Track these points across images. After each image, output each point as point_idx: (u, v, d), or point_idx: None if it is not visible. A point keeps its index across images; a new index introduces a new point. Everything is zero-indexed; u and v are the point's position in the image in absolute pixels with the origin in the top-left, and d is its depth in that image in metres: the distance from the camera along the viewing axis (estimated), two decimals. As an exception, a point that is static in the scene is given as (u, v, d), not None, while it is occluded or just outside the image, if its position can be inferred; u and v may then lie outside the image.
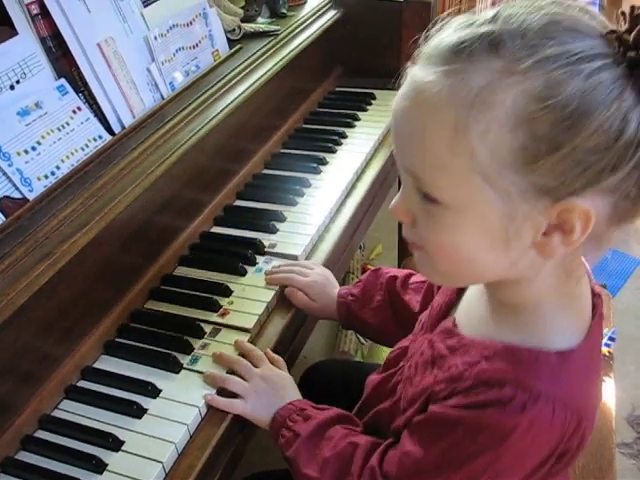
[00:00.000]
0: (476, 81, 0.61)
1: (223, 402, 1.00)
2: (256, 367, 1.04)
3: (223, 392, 1.02)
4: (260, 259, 1.29)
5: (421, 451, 0.77)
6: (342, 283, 1.27)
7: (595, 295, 0.77)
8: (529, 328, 0.72)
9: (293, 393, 1.02)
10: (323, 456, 0.89)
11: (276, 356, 1.09)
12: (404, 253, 2.34)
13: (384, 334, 1.15)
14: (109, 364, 1.08)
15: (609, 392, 1.46)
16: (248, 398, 1.00)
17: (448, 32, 0.65)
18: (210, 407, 1.00)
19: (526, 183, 0.61)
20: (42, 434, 0.98)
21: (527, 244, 0.65)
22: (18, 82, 1.11)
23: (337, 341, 2.32)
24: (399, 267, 2.26)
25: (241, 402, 1.00)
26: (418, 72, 0.65)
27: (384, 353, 1.74)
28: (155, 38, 1.34)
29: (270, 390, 1.01)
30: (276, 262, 1.27)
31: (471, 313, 0.82)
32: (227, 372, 1.04)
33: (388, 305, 1.14)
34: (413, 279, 1.15)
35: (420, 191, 0.68)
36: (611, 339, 1.58)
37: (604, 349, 1.54)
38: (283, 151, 1.67)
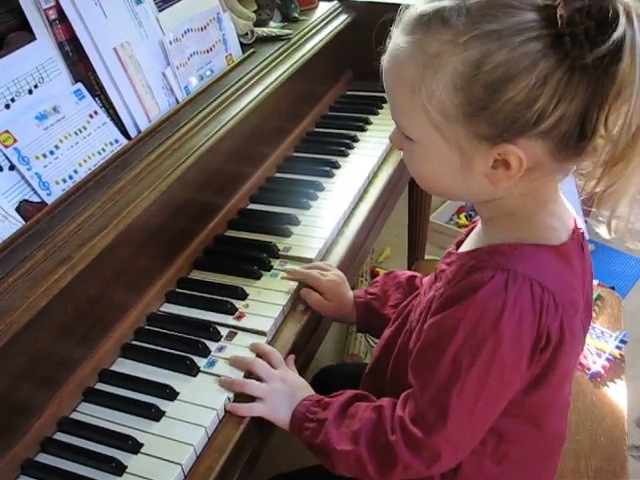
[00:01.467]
0: (429, 49, 0.75)
1: (242, 408, 1.00)
2: (274, 368, 1.05)
3: (240, 396, 1.02)
4: (275, 262, 1.29)
5: (431, 376, 0.84)
6: (352, 287, 1.28)
7: (576, 228, 0.89)
8: (509, 231, 0.85)
9: (308, 392, 1.03)
10: (353, 429, 0.92)
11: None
12: (414, 256, 2.35)
13: None
14: (126, 367, 1.09)
15: (621, 395, 1.46)
16: (267, 399, 1.01)
17: (418, 3, 0.78)
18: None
19: (468, 132, 0.76)
20: (61, 436, 0.98)
21: (480, 174, 0.80)
22: (36, 86, 1.12)
23: (347, 344, 2.33)
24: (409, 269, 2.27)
25: (260, 405, 1.00)
26: (395, 38, 0.80)
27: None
28: (170, 42, 1.35)
29: (288, 390, 1.02)
30: (290, 266, 1.28)
31: (468, 240, 0.95)
32: (244, 375, 1.05)
33: None
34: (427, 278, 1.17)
35: (402, 131, 0.85)
36: (622, 342, 1.58)
37: (615, 352, 1.55)
38: (295, 155, 1.68)
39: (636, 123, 0.70)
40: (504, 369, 0.81)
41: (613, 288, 1.81)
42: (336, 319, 1.28)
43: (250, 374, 1.05)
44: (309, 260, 1.29)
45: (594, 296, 1.62)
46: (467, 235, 0.98)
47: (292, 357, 1.11)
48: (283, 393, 1.02)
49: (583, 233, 0.90)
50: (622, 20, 0.68)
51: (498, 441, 0.92)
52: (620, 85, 0.70)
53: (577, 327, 0.85)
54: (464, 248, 0.94)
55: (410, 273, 1.22)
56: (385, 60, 0.82)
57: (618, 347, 1.56)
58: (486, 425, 0.87)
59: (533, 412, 0.91)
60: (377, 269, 2.69)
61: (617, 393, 1.46)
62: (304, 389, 1.04)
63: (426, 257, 2.40)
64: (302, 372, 1.12)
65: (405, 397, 0.91)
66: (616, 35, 0.67)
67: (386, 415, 0.90)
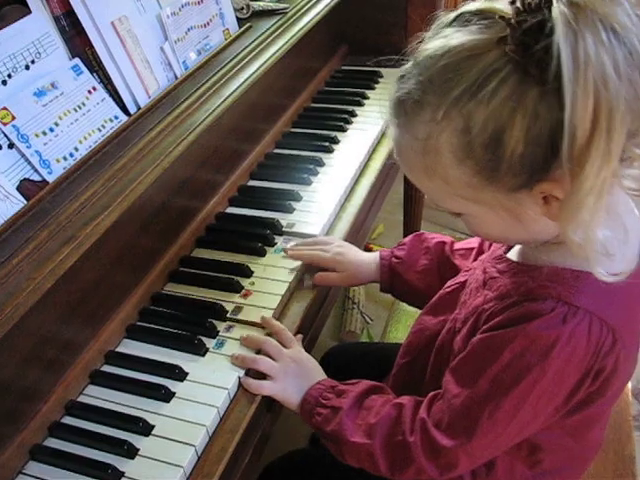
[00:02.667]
0: (417, 134, 0.73)
1: (252, 384, 0.99)
2: (286, 348, 1.04)
3: (251, 373, 1.01)
4: (279, 239, 1.28)
5: (468, 387, 0.82)
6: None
7: None
8: (574, 256, 0.76)
9: (320, 375, 1.02)
10: (369, 422, 0.90)
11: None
12: (410, 232, 2.33)
13: (429, 298, 1.14)
14: (133, 348, 1.07)
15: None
16: (277, 379, 0.99)
17: (393, 89, 0.76)
18: (239, 389, 0.99)
19: (499, 190, 0.72)
20: (69, 420, 0.97)
21: (538, 216, 0.74)
22: (33, 62, 1.08)
23: (343, 321, 2.32)
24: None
25: (270, 383, 0.99)
26: (388, 118, 0.78)
27: (399, 332, 1.73)
28: (168, 16, 1.32)
29: (300, 371, 1.01)
30: (294, 242, 1.26)
31: (522, 246, 0.89)
32: (255, 353, 1.04)
33: (436, 269, 1.15)
34: (457, 245, 1.16)
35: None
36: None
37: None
38: (293, 130, 1.66)
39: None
40: (540, 399, 0.78)
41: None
42: (357, 284, 1.27)
43: (260, 352, 1.04)
44: (313, 236, 1.28)
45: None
46: None
47: (300, 337, 1.10)
48: (294, 373, 1.00)
49: None
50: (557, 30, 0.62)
51: (534, 448, 0.90)
52: None
53: (633, 352, 0.82)
54: (516, 254, 0.88)
55: (440, 238, 1.19)
56: (394, 150, 0.81)
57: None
58: (509, 445, 0.86)
59: (575, 428, 0.88)
60: (371, 245, 2.68)
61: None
62: (316, 371, 1.03)
63: (421, 233, 2.39)
64: (309, 349, 1.11)
65: (431, 398, 0.88)
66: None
67: (406, 414, 0.88)
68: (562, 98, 0.63)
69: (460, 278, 1.01)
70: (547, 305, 0.75)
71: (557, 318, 0.74)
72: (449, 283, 1.03)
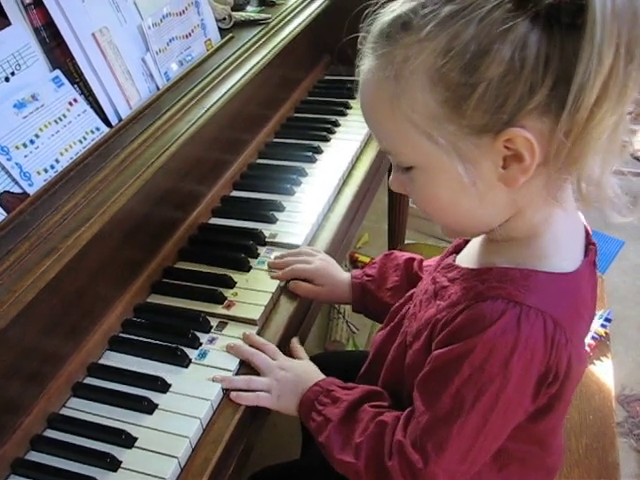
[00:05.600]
0: (396, 59, 0.70)
1: (249, 397, 0.99)
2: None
3: (241, 371, 1.01)
4: (262, 249, 1.28)
5: (433, 403, 0.80)
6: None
7: (590, 243, 0.85)
8: (522, 255, 0.79)
9: (317, 376, 1.01)
10: (355, 441, 0.89)
11: (298, 346, 1.11)
12: (394, 241, 2.34)
13: None
14: (115, 360, 1.07)
15: (607, 373, 1.47)
16: (272, 390, 0.99)
17: (378, 20, 0.74)
18: (222, 400, 0.99)
19: (462, 128, 0.69)
20: (52, 433, 0.96)
21: (494, 181, 0.72)
22: (13, 74, 1.08)
23: (328, 331, 2.32)
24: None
25: (267, 395, 0.99)
26: (362, 64, 0.76)
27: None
28: (149, 27, 1.32)
29: (292, 377, 1.00)
30: (277, 253, 1.26)
31: (470, 251, 0.89)
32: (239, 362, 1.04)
33: (405, 285, 1.14)
34: (426, 262, 1.16)
35: (397, 163, 0.79)
36: (607, 320, 1.59)
37: (601, 330, 1.56)
38: (276, 140, 1.66)
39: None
40: (509, 407, 0.77)
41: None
42: (332, 302, 1.26)
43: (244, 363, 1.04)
44: (296, 246, 1.28)
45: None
46: (466, 242, 0.93)
47: (295, 339, 1.11)
48: (286, 381, 1.00)
49: (596, 247, 0.85)
50: None
51: (499, 454, 0.88)
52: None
53: (583, 353, 0.82)
54: (466, 261, 0.88)
55: (409, 255, 1.19)
56: (359, 94, 0.78)
57: (603, 325, 1.57)
58: (486, 456, 0.84)
59: (538, 436, 0.88)
60: (356, 255, 2.69)
61: (604, 371, 1.47)
62: (310, 372, 1.03)
63: (406, 242, 2.40)
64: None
65: (407, 416, 0.86)
66: None
67: (387, 434, 0.86)
68: (553, 31, 0.63)
69: (408, 293, 1.01)
70: (498, 305, 0.74)
71: (511, 321, 0.73)
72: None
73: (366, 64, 0.75)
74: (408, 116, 0.71)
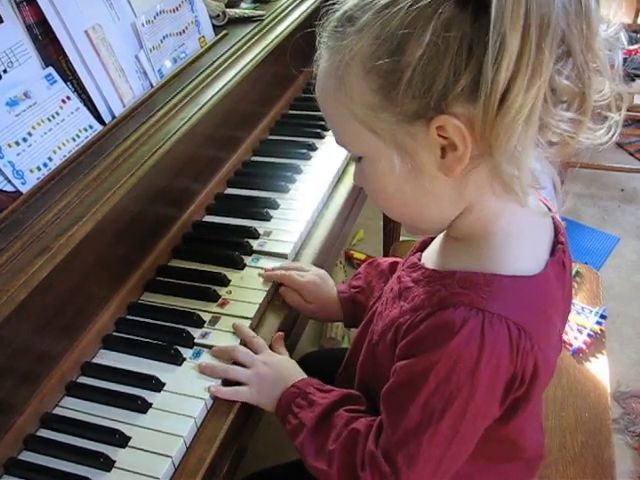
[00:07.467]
0: (340, 50, 0.71)
1: (227, 391, 0.99)
2: (257, 354, 1.03)
3: (228, 383, 1.00)
4: (254, 243, 1.28)
5: (402, 416, 0.79)
6: (329, 271, 1.25)
7: (559, 242, 0.83)
8: (482, 255, 0.78)
9: (297, 374, 1.01)
10: (328, 448, 0.88)
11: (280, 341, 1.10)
12: (389, 238, 2.34)
13: None
14: (109, 359, 1.06)
15: (603, 370, 1.47)
16: (252, 384, 0.99)
17: (331, 16, 0.74)
18: (216, 399, 0.99)
19: (396, 115, 0.69)
20: (45, 433, 0.96)
21: (434, 171, 0.72)
22: (5, 71, 1.07)
23: (324, 328, 2.32)
24: (387, 252, 2.26)
25: (245, 389, 0.99)
26: (319, 58, 0.76)
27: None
28: (142, 25, 1.31)
29: (273, 373, 1.00)
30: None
31: (434, 249, 0.88)
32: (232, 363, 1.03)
33: None
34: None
35: (350, 155, 0.80)
36: (602, 317, 1.59)
37: (596, 327, 1.56)
38: (271, 137, 1.65)
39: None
40: (478, 414, 0.77)
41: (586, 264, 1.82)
42: (320, 320, 1.25)
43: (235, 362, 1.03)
44: (290, 244, 1.27)
45: (573, 272, 1.62)
46: (432, 239, 0.92)
47: (280, 335, 1.10)
48: (267, 376, 1.00)
49: (565, 247, 0.84)
50: None
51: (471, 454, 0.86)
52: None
53: (551, 355, 0.81)
54: (431, 260, 0.87)
55: (392, 259, 1.17)
56: (316, 89, 0.79)
57: (598, 322, 1.57)
58: (458, 464, 0.82)
59: (507, 437, 0.88)
60: (351, 252, 2.68)
61: (599, 368, 1.47)
62: (291, 370, 1.02)
63: (401, 239, 2.39)
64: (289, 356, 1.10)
65: (379, 425, 0.85)
66: None
67: (359, 445, 0.85)
68: (479, 15, 0.62)
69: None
70: (460, 313, 0.73)
71: (475, 329, 0.72)
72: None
73: (321, 61, 0.76)
74: (348, 106, 0.73)
